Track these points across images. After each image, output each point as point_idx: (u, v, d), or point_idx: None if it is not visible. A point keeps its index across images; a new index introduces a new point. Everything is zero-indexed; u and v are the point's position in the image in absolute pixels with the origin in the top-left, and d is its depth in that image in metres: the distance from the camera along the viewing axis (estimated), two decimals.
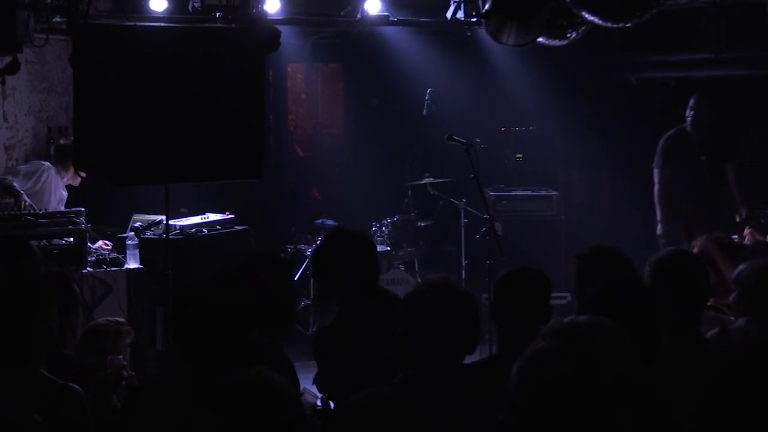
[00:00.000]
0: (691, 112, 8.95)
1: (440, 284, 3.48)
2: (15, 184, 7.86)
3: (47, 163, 8.41)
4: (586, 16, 5.83)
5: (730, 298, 4.64)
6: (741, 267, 4.64)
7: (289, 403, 2.77)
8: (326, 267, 4.80)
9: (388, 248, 9.81)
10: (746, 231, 6.72)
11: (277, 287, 4.55)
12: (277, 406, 2.73)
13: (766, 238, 6.80)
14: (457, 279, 3.69)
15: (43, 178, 8.26)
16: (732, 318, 4.74)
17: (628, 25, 5.85)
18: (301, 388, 3.97)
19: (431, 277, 3.58)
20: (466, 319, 3.42)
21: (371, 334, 4.43)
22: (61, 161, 8.45)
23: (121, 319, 5.67)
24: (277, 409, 2.73)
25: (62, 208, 8.40)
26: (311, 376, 4.65)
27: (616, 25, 5.90)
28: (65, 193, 8.56)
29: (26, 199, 7.81)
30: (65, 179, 8.46)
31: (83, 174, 8.27)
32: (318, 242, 5.02)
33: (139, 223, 8.45)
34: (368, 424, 3.36)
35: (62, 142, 8.74)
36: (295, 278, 9.94)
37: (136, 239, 8.03)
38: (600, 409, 2.53)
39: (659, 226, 9.11)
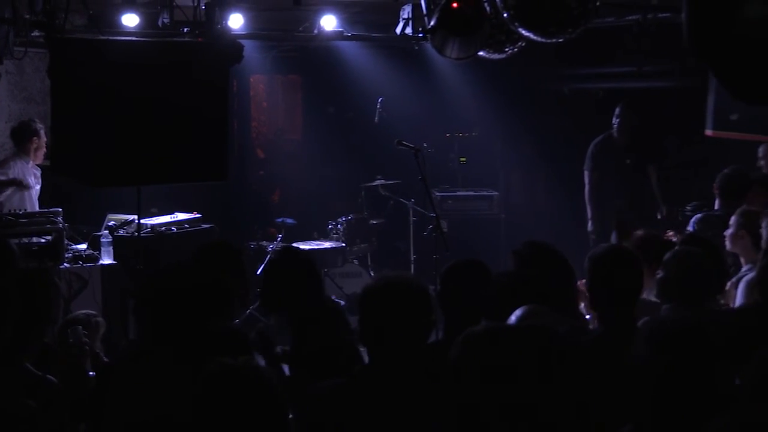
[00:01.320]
0: (617, 120, 9.04)
1: (396, 279, 3.48)
2: None
3: (10, 161, 8.25)
4: (523, 32, 5.87)
5: (657, 276, 4.68)
6: (669, 253, 4.68)
7: (274, 390, 2.76)
8: (275, 285, 4.80)
9: (343, 244, 9.82)
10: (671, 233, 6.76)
11: (228, 274, 4.57)
12: (264, 392, 2.73)
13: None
14: (411, 274, 3.72)
15: (13, 174, 8.13)
16: (658, 301, 4.78)
17: (561, 40, 5.90)
18: None
19: (387, 273, 3.58)
20: (420, 311, 3.41)
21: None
22: (19, 145, 8.22)
23: (94, 312, 5.66)
24: (263, 396, 2.72)
25: (38, 187, 8.28)
26: None
27: (549, 41, 5.95)
28: (38, 171, 8.34)
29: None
30: (30, 162, 8.22)
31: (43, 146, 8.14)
32: (266, 263, 4.99)
33: (113, 222, 8.40)
34: (328, 412, 3.35)
35: (13, 125, 8.49)
36: (258, 273, 9.97)
37: (110, 237, 7.99)
38: (528, 387, 2.56)
39: (590, 224, 9.19)
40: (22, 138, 8.20)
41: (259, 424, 2.71)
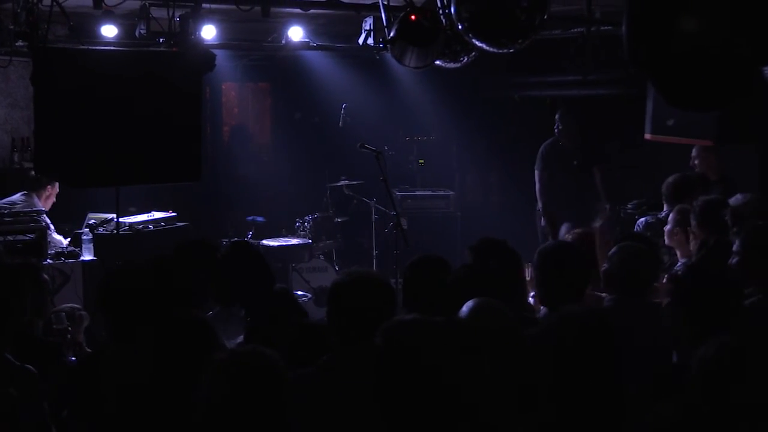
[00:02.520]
0: (558, 126, 9.14)
1: (363, 274, 3.51)
2: None
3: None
4: (476, 43, 5.89)
5: (601, 270, 4.72)
6: (613, 249, 4.74)
7: (280, 371, 2.77)
8: (231, 277, 4.78)
9: (310, 241, 9.82)
10: None
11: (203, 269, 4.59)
12: (271, 373, 2.74)
13: None
14: (375, 270, 3.74)
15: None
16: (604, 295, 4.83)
17: (511, 51, 5.94)
18: None
19: (355, 269, 3.61)
20: (385, 303, 3.45)
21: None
22: (35, 189, 8.14)
23: (79, 306, 5.65)
24: (271, 377, 2.73)
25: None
26: None
27: (501, 51, 5.99)
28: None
29: None
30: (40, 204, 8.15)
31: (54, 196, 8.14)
32: (222, 256, 4.95)
33: (93, 221, 8.36)
34: (297, 399, 3.36)
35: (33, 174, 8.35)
36: None
37: (91, 234, 7.96)
38: (443, 377, 2.60)
39: (542, 220, 9.23)
40: (39, 184, 8.15)
41: (267, 405, 2.72)
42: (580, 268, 4.27)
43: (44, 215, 7.90)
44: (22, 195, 8.06)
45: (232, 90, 12.35)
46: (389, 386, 2.66)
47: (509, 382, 3.29)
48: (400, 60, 6.98)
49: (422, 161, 11.70)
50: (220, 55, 7.78)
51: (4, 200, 8.13)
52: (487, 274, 4.17)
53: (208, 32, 7.80)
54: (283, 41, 8.70)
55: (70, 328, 5.07)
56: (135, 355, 3.79)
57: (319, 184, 10.72)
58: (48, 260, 7.50)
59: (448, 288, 4.19)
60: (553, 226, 8.85)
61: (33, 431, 3.72)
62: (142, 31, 7.45)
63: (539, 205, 9.29)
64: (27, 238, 7.37)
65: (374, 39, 8.03)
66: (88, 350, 5.06)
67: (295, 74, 11.16)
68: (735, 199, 6.19)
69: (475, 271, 4.25)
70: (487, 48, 5.88)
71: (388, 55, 7.63)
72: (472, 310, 3.48)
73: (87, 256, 7.81)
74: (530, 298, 5.10)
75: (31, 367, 3.84)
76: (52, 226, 8.11)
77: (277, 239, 9.97)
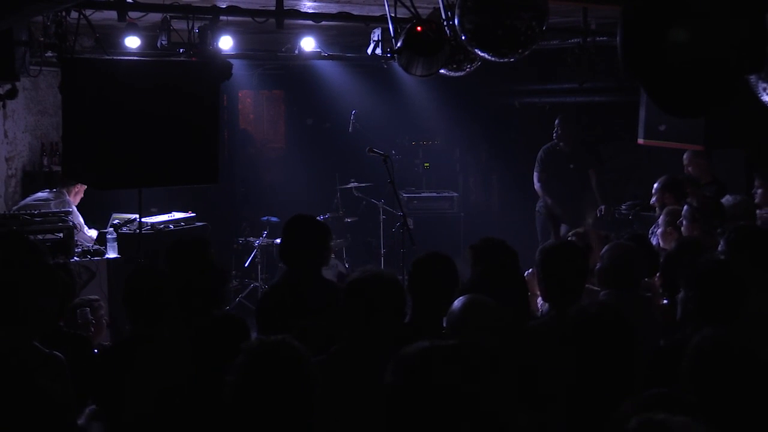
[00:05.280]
0: (557, 131, 9.14)
1: (376, 273, 3.55)
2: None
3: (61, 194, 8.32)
4: (478, 53, 5.89)
5: (596, 269, 4.73)
6: (606, 247, 4.74)
7: (307, 362, 2.78)
8: (292, 237, 4.82)
9: None
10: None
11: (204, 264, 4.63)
12: (299, 364, 2.75)
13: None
14: (386, 269, 3.76)
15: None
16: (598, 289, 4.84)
17: (512, 60, 5.95)
18: None
19: (368, 268, 3.64)
20: (396, 298, 3.49)
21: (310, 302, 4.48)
22: (65, 186, 8.30)
23: (95, 297, 5.70)
24: (299, 366, 2.74)
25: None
26: None
27: (502, 60, 5.99)
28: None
29: None
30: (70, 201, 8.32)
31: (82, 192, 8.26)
32: (291, 222, 5.00)
33: (117, 221, 8.39)
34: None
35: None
36: (246, 265, 9.99)
37: (115, 234, 7.98)
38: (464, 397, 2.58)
39: (541, 219, 9.23)
40: (68, 182, 8.26)
41: (293, 392, 2.73)
42: (581, 266, 4.27)
43: (72, 215, 7.95)
44: (53, 191, 8.15)
45: (248, 97, 12.39)
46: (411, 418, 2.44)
47: (509, 378, 3.30)
48: (406, 69, 6.99)
49: (427, 164, 11.71)
50: (237, 65, 7.80)
51: (35, 195, 8.20)
52: (487, 273, 4.18)
53: (226, 43, 7.83)
54: (296, 51, 8.73)
55: (93, 322, 5.11)
56: (169, 350, 3.82)
57: (330, 186, 10.74)
58: (75, 258, 7.53)
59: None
60: (555, 222, 8.84)
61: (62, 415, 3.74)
62: (163, 42, 7.48)
63: (538, 205, 9.30)
64: (56, 237, 7.40)
65: (382, 49, 8.05)
66: (108, 343, 5.09)
67: (308, 82, 11.19)
68: (726, 200, 6.19)
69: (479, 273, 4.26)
70: (489, 58, 5.88)
71: (396, 64, 7.65)
72: (463, 306, 3.49)
73: (111, 254, 7.84)
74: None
75: (59, 353, 3.87)
76: (82, 221, 8.20)
77: None
